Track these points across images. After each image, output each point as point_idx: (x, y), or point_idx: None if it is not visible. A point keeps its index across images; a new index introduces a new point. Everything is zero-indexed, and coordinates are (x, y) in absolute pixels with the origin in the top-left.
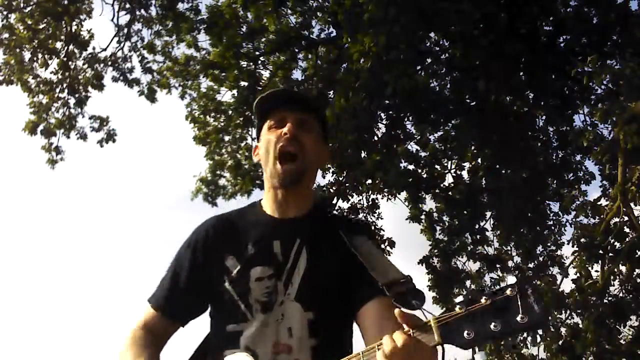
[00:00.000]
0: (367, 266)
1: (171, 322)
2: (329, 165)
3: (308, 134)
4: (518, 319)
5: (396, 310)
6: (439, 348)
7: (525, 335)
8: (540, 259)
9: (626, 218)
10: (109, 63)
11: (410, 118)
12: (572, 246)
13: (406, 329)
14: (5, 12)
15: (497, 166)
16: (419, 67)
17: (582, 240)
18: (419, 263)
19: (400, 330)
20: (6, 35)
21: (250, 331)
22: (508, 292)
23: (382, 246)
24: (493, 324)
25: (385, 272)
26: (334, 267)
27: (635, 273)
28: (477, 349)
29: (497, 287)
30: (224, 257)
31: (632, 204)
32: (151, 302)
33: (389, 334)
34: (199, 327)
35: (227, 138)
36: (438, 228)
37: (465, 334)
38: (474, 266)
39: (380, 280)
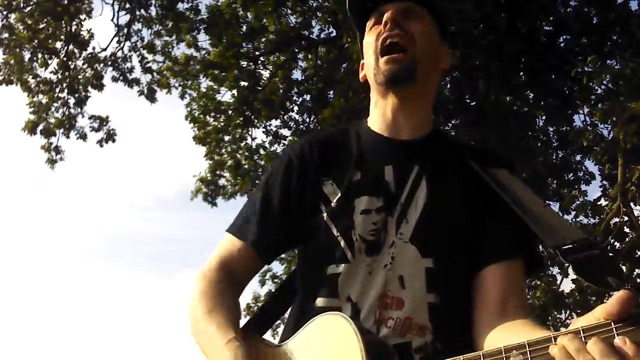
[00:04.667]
0: (519, 212)
1: (256, 256)
2: None
3: (416, 21)
4: None
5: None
6: None
7: None
8: None
9: (626, 218)
10: (109, 63)
11: None
12: None
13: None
14: (5, 12)
15: None
16: None
17: None
18: None
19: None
20: (6, 35)
21: (351, 277)
22: None
23: None
24: None
25: (550, 227)
26: (463, 205)
27: (635, 273)
28: None
29: None
30: (321, 182)
31: (632, 204)
32: (232, 232)
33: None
34: None
35: (227, 138)
36: None
37: None
38: None
39: (547, 240)
